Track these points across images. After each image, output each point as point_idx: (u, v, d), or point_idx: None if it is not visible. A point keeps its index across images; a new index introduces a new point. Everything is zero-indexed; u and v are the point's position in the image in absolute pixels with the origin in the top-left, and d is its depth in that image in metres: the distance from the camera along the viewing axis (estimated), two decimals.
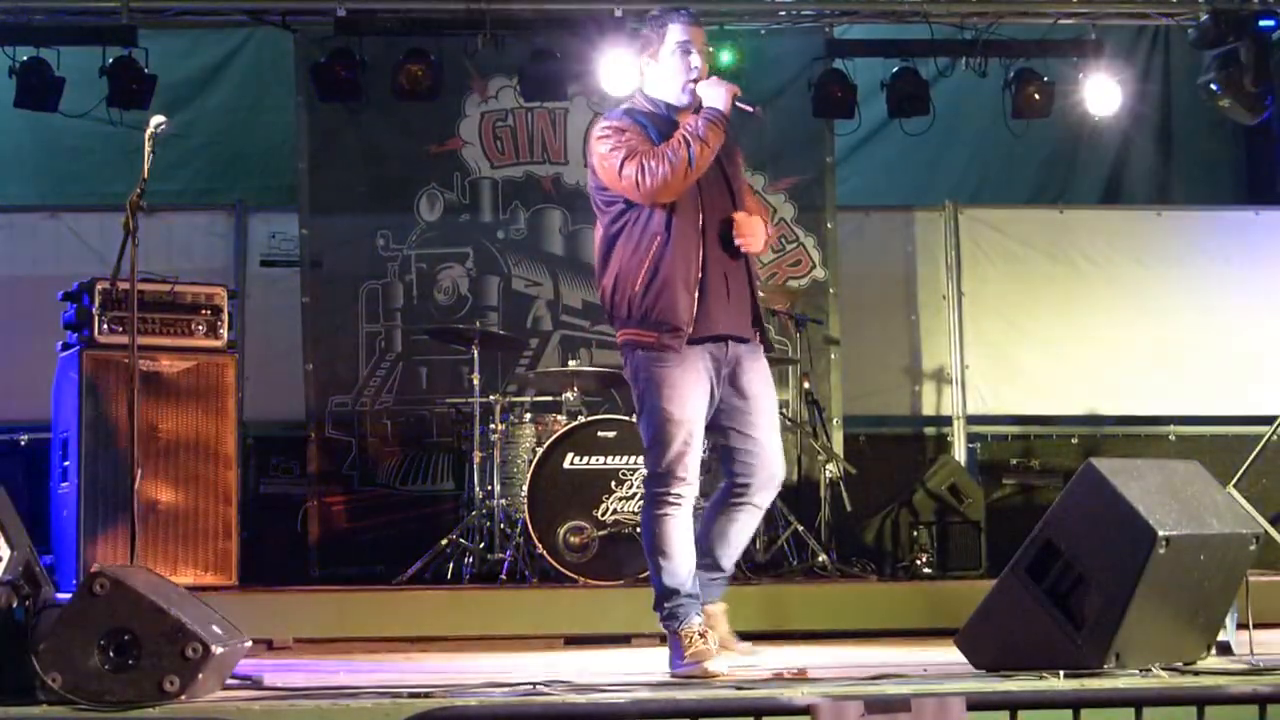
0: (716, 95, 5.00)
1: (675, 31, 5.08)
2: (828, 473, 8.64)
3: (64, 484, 7.48)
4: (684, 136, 4.92)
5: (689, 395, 4.94)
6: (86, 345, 7.44)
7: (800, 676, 4.59)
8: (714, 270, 4.97)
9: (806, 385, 8.77)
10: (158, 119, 5.41)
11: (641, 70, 5.22)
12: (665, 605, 4.97)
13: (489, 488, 8.01)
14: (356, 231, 9.40)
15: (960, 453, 9.67)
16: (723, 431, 5.09)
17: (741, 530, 5.16)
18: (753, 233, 5.02)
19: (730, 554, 5.19)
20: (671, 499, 4.94)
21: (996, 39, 9.44)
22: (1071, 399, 9.84)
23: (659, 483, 4.95)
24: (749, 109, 5.10)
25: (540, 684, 4.32)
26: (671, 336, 4.92)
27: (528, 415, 8.21)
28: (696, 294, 4.92)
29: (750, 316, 5.09)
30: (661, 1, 9.24)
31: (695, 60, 5.06)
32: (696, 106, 5.06)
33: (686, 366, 4.93)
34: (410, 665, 5.80)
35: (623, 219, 5.03)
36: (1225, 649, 4.90)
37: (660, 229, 4.95)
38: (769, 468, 5.09)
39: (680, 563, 4.95)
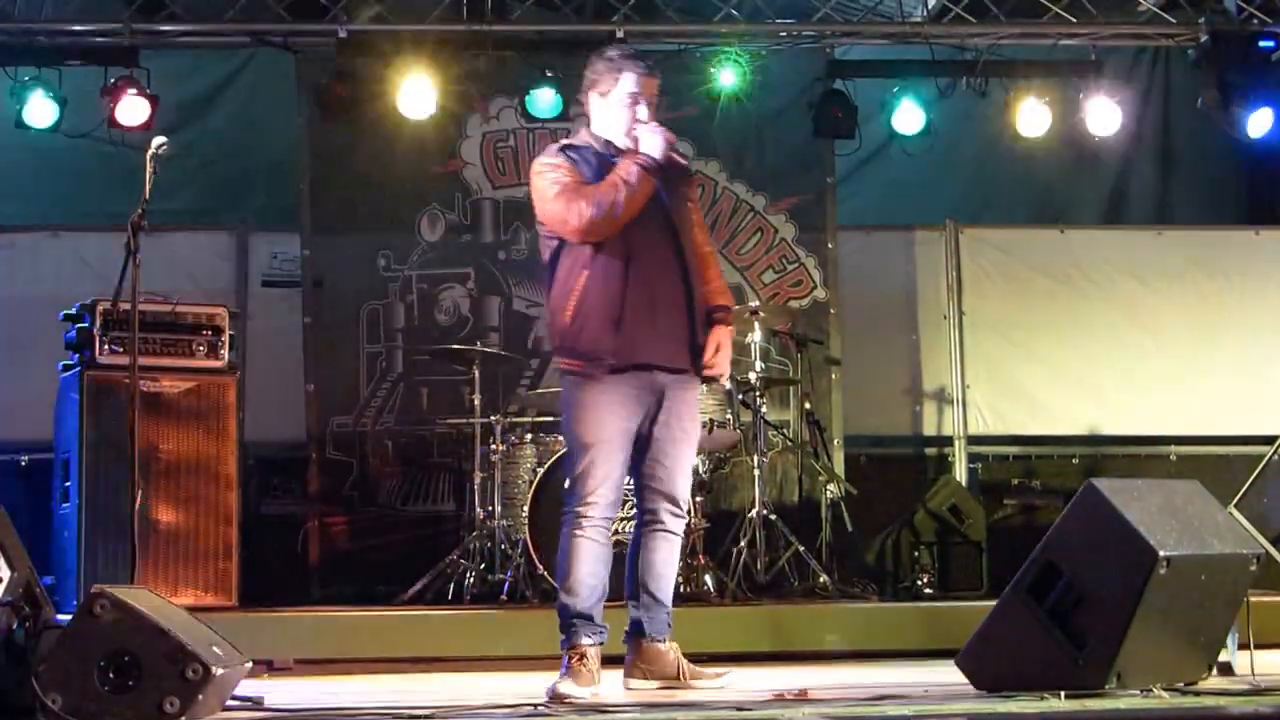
0: (653, 144, 5.07)
1: (628, 82, 5.13)
2: (829, 493, 8.63)
3: (65, 505, 7.48)
4: (616, 182, 5.00)
5: (604, 419, 5.02)
6: (88, 366, 7.44)
7: (802, 697, 4.59)
8: (639, 304, 5.02)
9: (807, 405, 8.77)
10: (159, 139, 5.43)
11: (589, 105, 5.27)
12: (560, 621, 5.09)
13: (490, 508, 8.01)
14: (358, 252, 9.40)
15: (961, 473, 9.65)
16: (641, 457, 5.14)
17: (666, 559, 5.17)
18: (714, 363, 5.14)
19: (661, 585, 5.18)
20: (578, 519, 5.02)
21: (997, 60, 9.45)
22: (1072, 419, 9.84)
23: (569, 502, 5.06)
24: (682, 160, 5.25)
25: (541, 704, 4.32)
26: (594, 365, 5.03)
27: (528, 435, 8.21)
28: (617, 327, 5.00)
29: (684, 349, 5.11)
30: (661, 25, 9.30)
31: (643, 113, 5.12)
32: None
33: (608, 393, 5.02)
34: (411, 686, 5.79)
35: (559, 252, 5.15)
36: (1226, 669, 4.89)
37: (587, 264, 5.05)
38: (671, 492, 5.13)
39: (577, 581, 5.03)
